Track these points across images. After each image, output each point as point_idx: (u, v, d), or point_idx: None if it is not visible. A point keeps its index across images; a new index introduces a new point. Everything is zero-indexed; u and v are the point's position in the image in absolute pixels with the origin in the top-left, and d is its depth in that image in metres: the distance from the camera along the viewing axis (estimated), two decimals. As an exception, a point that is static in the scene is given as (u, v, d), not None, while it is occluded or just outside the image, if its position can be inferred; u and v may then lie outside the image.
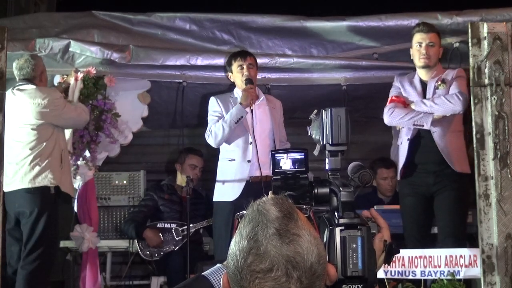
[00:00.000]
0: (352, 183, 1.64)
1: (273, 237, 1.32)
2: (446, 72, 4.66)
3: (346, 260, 1.47)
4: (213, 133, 4.80)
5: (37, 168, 4.62)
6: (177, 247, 5.51)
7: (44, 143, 4.67)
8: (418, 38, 4.64)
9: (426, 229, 4.73)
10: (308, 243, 1.34)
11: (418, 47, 4.63)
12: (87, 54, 5.08)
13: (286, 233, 1.33)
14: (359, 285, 1.47)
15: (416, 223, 4.73)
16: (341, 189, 1.58)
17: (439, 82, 4.59)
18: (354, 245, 1.48)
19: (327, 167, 1.70)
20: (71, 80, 5.09)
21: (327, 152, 1.70)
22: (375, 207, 5.30)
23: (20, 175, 4.57)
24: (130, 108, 5.37)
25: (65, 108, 4.77)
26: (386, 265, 1.60)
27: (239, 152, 4.83)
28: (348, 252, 1.48)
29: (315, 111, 1.80)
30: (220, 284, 1.61)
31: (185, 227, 5.33)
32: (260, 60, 5.21)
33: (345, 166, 1.74)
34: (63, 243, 5.47)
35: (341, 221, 1.52)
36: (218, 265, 1.70)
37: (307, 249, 1.33)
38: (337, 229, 1.50)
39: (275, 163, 1.72)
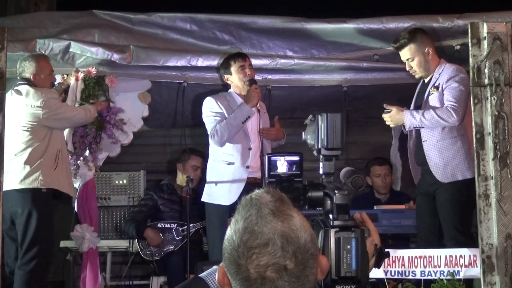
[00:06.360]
0: (345, 187, 1.66)
1: (268, 216, 1.38)
2: (442, 71, 4.54)
3: (340, 261, 1.49)
4: (219, 133, 4.78)
5: (27, 169, 4.62)
6: (177, 247, 5.52)
7: (37, 144, 4.67)
8: (400, 56, 4.67)
9: (432, 228, 4.66)
10: (300, 222, 1.39)
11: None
12: (87, 54, 5.09)
13: (280, 213, 1.39)
14: (352, 286, 1.49)
15: (422, 222, 4.73)
16: (335, 192, 1.60)
17: (432, 88, 4.54)
18: (348, 247, 1.50)
19: (321, 171, 1.73)
20: (71, 80, 5.10)
21: (321, 156, 1.72)
22: (374, 207, 5.32)
23: (11, 175, 4.54)
24: (131, 108, 5.38)
25: (60, 109, 4.76)
26: (376, 268, 1.62)
27: (238, 157, 4.83)
28: (342, 253, 1.50)
29: (310, 116, 1.82)
30: (216, 284, 1.62)
31: (185, 227, 5.34)
32: (260, 62, 5.23)
33: (342, 167, 1.76)
34: (63, 243, 5.50)
35: (336, 223, 1.55)
36: (215, 267, 1.71)
37: (300, 227, 1.38)
38: (332, 231, 1.53)
39: (270, 166, 1.74)
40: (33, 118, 4.67)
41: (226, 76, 5.00)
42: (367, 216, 1.65)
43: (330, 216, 1.58)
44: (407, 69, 4.66)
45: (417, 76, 4.66)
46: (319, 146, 1.72)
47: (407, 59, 4.60)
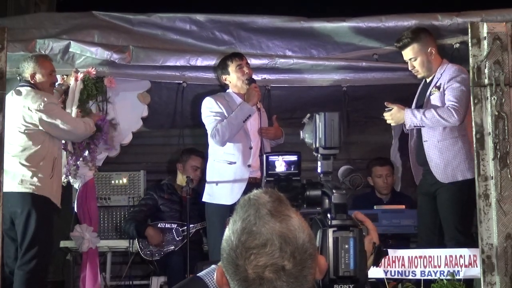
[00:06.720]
0: (343, 186, 1.66)
1: (266, 216, 1.38)
2: (444, 72, 4.54)
3: (338, 260, 1.50)
4: (220, 132, 4.77)
5: (25, 173, 4.60)
6: (178, 247, 5.52)
7: (35, 148, 4.64)
8: (403, 55, 4.65)
9: (432, 228, 4.65)
10: (298, 222, 1.39)
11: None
12: (87, 54, 5.09)
13: (278, 213, 1.39)
14: (350, 285, 1.49)
15: (422, 222, 4.73)
16: (334, 191, 1.60)
17: (434, 88, 4.53)
18: (346, 246, 1.50)
19: (319, 170, 1.73)
20: (71, 81, 5.10)
21: (319, 155, 1.72)
22: (375, 207, 5.31)
23: (9, 177, 4.51)
24: (130, 108, 5.37)
25: (60, 117, 4.71)
26: (375, 266, 1.62)
27: (240, 156, 4.82)
28: (340, 252, 1.50)
29: (308, 115, 1.83)
30: (214, 283, 1.62)
31: (186, 227, 5.34)
32: (259, 61, 5.23)
33: (337, 167, 1.76)
34: (63, 243, 5.50)
35: (334, 222, 1.55)
36: (213, 266, 1.71)
37: (298, 227, 1.38)
38: (330, 230, 1.53)
39: (268, 165, 1.74)
40: (29, 120, 4.64)
41: (224, 77, 5.00)
42: (363, 215, 1.65)
43: (328, 215, 1.58)
44: (410, 68, 4.64)
45: (419, 76, 4.65)
46: (317, 145, 1.73)
47: (410, 59, 4.59)
